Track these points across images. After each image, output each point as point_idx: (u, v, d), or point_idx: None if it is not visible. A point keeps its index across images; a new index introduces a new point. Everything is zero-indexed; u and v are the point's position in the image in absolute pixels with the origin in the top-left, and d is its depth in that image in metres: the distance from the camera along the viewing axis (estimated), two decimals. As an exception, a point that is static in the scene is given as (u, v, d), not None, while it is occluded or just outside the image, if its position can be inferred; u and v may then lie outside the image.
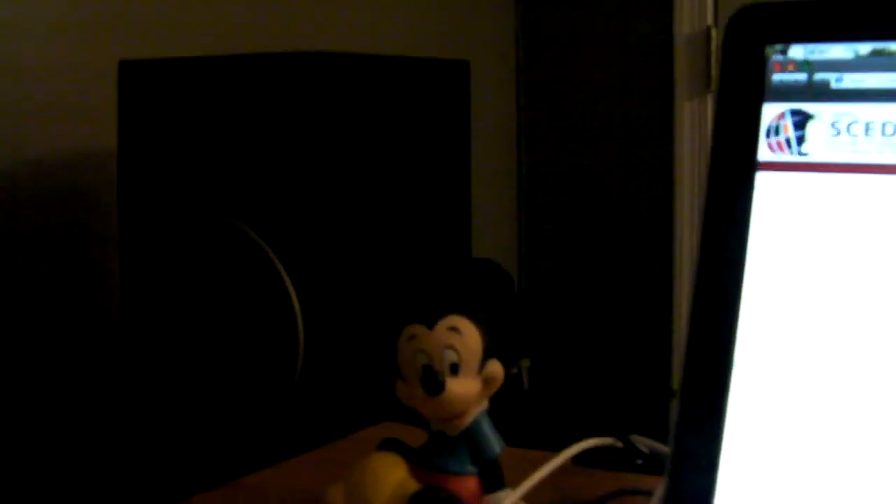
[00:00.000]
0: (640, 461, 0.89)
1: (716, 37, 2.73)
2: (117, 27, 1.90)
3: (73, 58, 1.84)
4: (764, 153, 0.51)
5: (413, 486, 0.70)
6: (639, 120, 2.85)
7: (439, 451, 0.72)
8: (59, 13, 1.82)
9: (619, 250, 2.88)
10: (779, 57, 0.51)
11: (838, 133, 0.50)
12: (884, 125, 0.49)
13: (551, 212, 2.97)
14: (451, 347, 0.68)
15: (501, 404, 0.74)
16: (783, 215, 0.50)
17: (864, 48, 0.50)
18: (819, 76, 0.51)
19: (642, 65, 2.85)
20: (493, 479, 0.72)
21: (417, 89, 1.60)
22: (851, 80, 0.50)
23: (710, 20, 2.73)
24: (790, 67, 0.51)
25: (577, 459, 0.85)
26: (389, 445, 0.73)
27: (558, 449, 0.80)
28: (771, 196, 0.50)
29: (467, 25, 2.74)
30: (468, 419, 0.71)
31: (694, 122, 2.76)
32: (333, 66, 1.46)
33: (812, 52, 0.51)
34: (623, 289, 2.88)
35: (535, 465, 0.76)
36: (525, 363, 2.14)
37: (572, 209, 2.94)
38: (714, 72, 2.73)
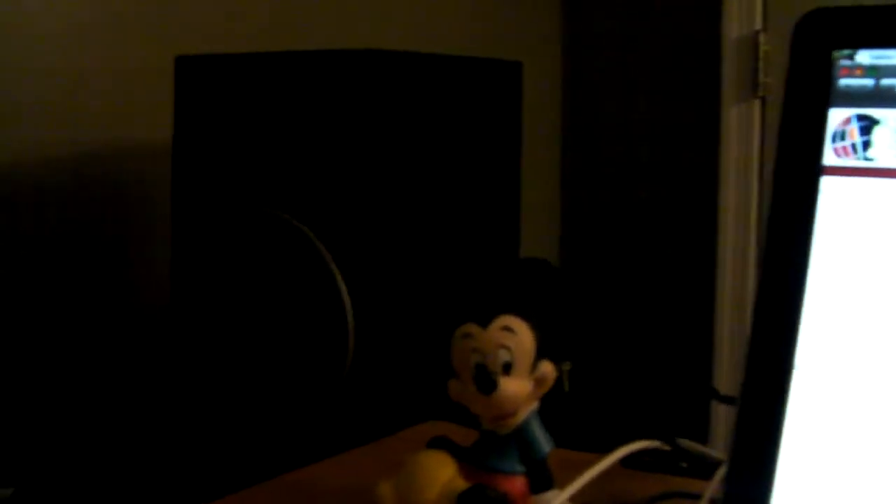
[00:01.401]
0: (685, 464, 0.89)
1: (764, 41, 2.71)
2: (173, 23, 1.92)
3: (130, 54, 1.86)
4: (829, 158, 0.51)
5: (462, 484, 0.70)
6: (684, 123, 2.84)
7: (489, 450, 0.72)
8: (116, 11, 1.84)
9: (661, 252, 2.87)
10: (846, 62, 0.51)
11: (904, 139, 0.50)
12: (950, 132, 0.49)
13: (593, 214, 2.97)
14: (505, 347, 0.69)
15: (543, 406, 0.74)
16: (848, 220, 0.50)
17: (932, 54, 0.50)
18: (886, 81, 0.50)
19: (689, 68, 2.83)
20: (542, 480, 0.72)
21: (469, 89, 1.60)
22: (918, 87, 0.50)
23: (758, 24, 2.71)
24: (857, 72, 0.51)
25: (624, 461, 0.85)
26: (439, 443, 0.73)
27: (600, 450, 0.80)
28: (836, 201, 0.50)
29: (514, 26, 2.74)
30: (519, 419, 0.71)
31: (741, 126, 2.75)
32: (386, 64, 1.47)
33: (879, 57, 0.51)
34: (664, 291, 2.86)
35: (580, 467, 0.76)
36: (566, 366, 2.13)
37: (615, 211, 2.94)
38: (762, 77, 2.71)
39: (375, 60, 1.47)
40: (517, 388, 0.69)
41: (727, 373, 2.70)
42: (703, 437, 2.52)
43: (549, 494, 0.72)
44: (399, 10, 2.39)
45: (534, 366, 0.70)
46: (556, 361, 0.71)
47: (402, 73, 1.48)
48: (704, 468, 0.86)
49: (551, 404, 0.74)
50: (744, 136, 2.74)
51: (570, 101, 2.99)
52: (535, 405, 0.72)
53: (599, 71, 2.95)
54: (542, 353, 0.70)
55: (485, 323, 0.69)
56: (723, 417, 2.65)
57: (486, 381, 0.68)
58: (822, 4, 0.52)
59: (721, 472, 0.76)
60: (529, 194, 1.90)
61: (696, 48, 2.81)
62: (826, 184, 0.51)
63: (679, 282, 2.85)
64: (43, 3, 1.74)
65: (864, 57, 0.51)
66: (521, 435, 0.71)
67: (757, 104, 2.72)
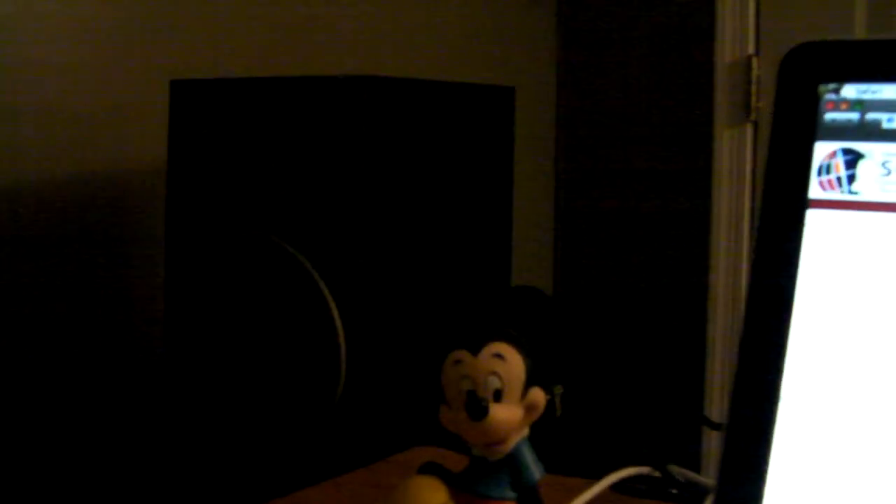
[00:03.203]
0: (675, 490, 0.89)
1: (756, 66, 2.72)
2: (168, 47, 1.93)
3: (125, 78, 1.86)
4: (815, 191, 0.52)
5: (453, 510, 0.70)
6: (679, 150, 2.85)
7: (480, 476, 0.72)
8: (111, 36, 1.85)
9: (653, 279, 2.88)
10: (832, 96, 0.52)
11: (889, 173, 0.51)
12: (935, 166, 0.50)
13: (587, 240, 2.97)
14: (496, 374, 0.69)
15: (534, 431, 0.74)
16: (833, 253, 0.51)
17: (917, 89, 0.50)
18: (871, 116, 0.51)
19: (683, 93, 2.85)
20: (533, 506, 0.72)
21: (462, 114, 1.61)
22: (903, 121, 0.51)
23: (751, 49, 2.73)
24: (843, 106, 0.52)
25: (614, 487, 0.85)
26: (430, 469, 0.73)
27: (591, 476, 0.81)
28: (821, 234, 0.51)
29: (510, 52, 2.76)
30: (510, 445, 0.71)
31: (732, 150, 2.76)
32: (380, 90, 1.48)
33: (865, 91, 0.51)
34: (656, 316, 2.87)
35: (572, 492, 0.77)
36: (558, 390, 2.14)
37: (609, 239, 2.94)
38: (754, 101, 2.72)
39: (368, 86, 1.47)
40: (508, 415, 0.69)
41: (719, 400, 2.71)
42: (695, 465, 2.52)
43: (540, 520, 0.72)
44: (394, 35, 2.40)
45: (524, 392, 0.70)
46: (548, 386, 0.72)
47: (394, 98, 1.49)
48: (695, 495, 0.86)
49: (543, 428, 0.75)
50: (735, 159, 2.75)
51: (564, 126, 3.00)
52: (525, 431, 0.72)
53: (594, 96, 2.97)
54: (532, 379, 0.71)
55: (475, 350, 0.70)
56: (714, 445, 2.65)
57: (476, 407, 0.69)
58: (813, 28, 0.53)
59: (711, 499, 0.77)
60: (523, 221, 1.90)
61: (689, 72, 2.83)
62: (811, 217, 0.51)
63: (671, 309, 2.85)
64: (38, 28, 1.75)
65: (850, 91, 0.52)
66: (512, 461, 0.72)
67: (749, 128, 2.74)
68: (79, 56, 1.81)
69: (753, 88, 2.71)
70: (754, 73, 2.71)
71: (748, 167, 2.72)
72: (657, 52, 2.88)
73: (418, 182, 1.53)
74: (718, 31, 2.75)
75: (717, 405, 2.70)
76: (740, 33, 2.74)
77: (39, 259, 1.76)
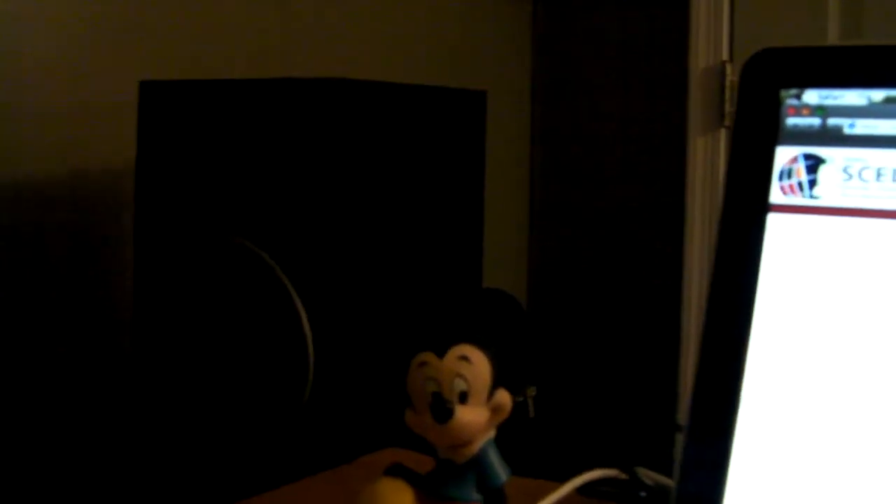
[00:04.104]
0: (643, 493, 0.89)
1: (730, 72, 2.73)
2: (138, 48, 1.92)
3: (93, 78, 1.85)
4: (776, 196, 0.52)
5: (419, 512, 0.70)
6: (653, 155, 2.86)
7: (446, 478, 0.72)
8: (80, 36, 1.84)
9: (627, 285, 2.89)
10: (793, 101, 0.52)
11: (850, 178, 0.51)
12: (895, 171, 0.50)
13: (561, 244, 2.98)
14: (461, 376, 0.69)
15: (507, 432, 0.74)
16: (793, 257, 0.51)
17: (878, 95, 0.51)
18: (832, 121, 0.52)
19: (657, 99, 2.85)
20: (498, 508, 0.72)
21: (433, 118, 1.61)
22: (864, 126, 0.51)
23: (725, 55, 2.74)
24: (804, 112, 0.52)
25: (582, 490, 0.85)
26: (396, 471, 0.73)
27: (562, 479, 0.81)
28: (782, 238, 0.51)
29: (483, 55, 2.76)
30: (475, 447, 0.71)
31: (707, 156, 2.77)
32: (350, 93, 1.47)
33: (826, 97, 0.52)
34: (630, 321, 2.88)
35: (539, 495, 0.77)
36: (531, 391, 2.14)
37: (583, 242, 2.95)
38: (728, 107, 2.73)
39: (339, 89, 1.47)
40: (473, 417, 0.69)
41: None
42: (668, 469, 2.52)
43: (506, 523, 0.72)
44: (367, 39, 2.40)
45: (490, 394, 0.70)
46: (521, 388, 0.72)
47: (366, 101, 1.49)
48: (662, 498, 0.87)
49: (516, 430, 0.75)
50: (709, 165, 2.76)
51: (539, 131, 3.01)
52: (492, 433, 0.72)
53: (568, 100, 2.97)
54: (498, 381, 0.71)
55: (441, 352, 0.69)
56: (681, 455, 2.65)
57: (441, 409, 0.69)
58: (787, 34, 0.53)
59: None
60: (497, 224, 1.91)
61: (663, 78, 2.84)
62: (772, 221, 0.52)
63: (645, 314, 2.86)
64: (5, 29, 1.74)
65: (812, 96, 0.52)
66: (478, 463, 0.72)
67: (723, 133, 2.75)
68: (47, 54, 1.80)
69: (727, 94, 2.72)
70: (728, 78, 2.72)
71: (722, 172, 2.73)
72: (631, 56, 2.89)
73: (389, 185, 1.53)
74: (692, 37, 2.76)
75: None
76: (714, 39, 2.75)
77: (3, 257, 1.75)
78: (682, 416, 2.73)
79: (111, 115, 1.84)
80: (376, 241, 1.50)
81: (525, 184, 2.99)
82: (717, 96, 2.73)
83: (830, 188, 0.51)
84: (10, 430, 1.75)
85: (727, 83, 2.71)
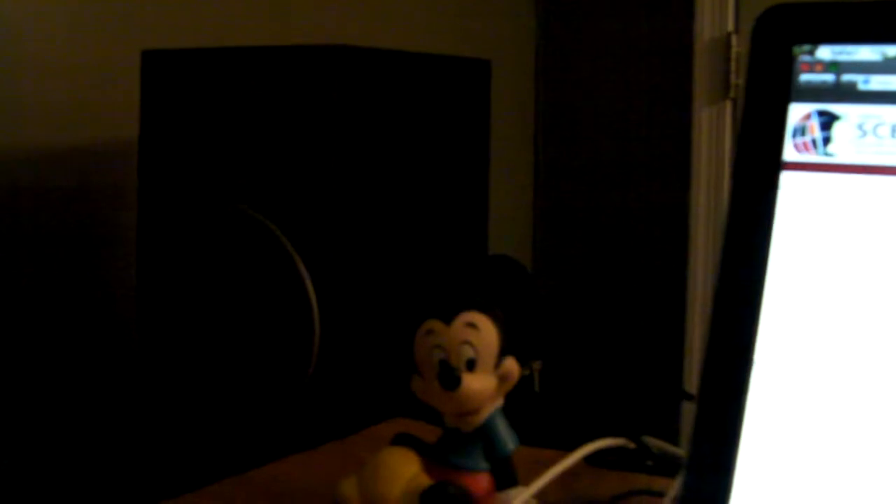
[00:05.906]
0: (650, 462, 0.89)
1: (736, 43, 2.72)
2: (139, 17, 1.90)
3: (94, 50, 1.84)
4: (790, 153, 0.51)
5: (426, 481, 0.70)
6: (657, 124, 2.85)
7: (453, 447, 0.71)
8: (81, 5, 1.82)
9: (633, 252, 2.88)
10: (806, 57, 0.51)
11: (864, 134, 0.50)
12: (910, 128, 0.49)
13: (566, 212, 2.97)
14: (468, 343, 0.68)
15: (513, 405, 0.73)
16: (807, 215, 0.50)
17: (892, 50, 0.50)
18: (846, 77, 0.50)
19: (662, 69, 2.84)
20: (506, 477, 0.72)
21: (438, 86, 1.60)
22: (878, 82, 0.50)
23: (730, 26, 2.72)
24: (818, 68, 0.51)
25: (589, 459, 0.85)
26: (403, 440, 0.72)
27: (569, 449, 0.80)
28: (796, 196, 0.50)
29: (488, 24, 2.74)
30: (483, 416, 0.71)
31: (712, 127, 2.76)
32: (355, 61, 1.46)
33: (840, 53, 0.51)
34: (636, 290, 2.87)
35: (547, 465, 0.76)
36: (536, 365, 2.13)
37: (587, 210, 2.94)
38: (733, 78, 2.72)
39: (344, 57, 1.46)
40: (481, 385, 0.69)
41: (698, 374, 2.71)
42: (675, 438, 2.53)
43: (514, 492, 0.72)
44: (371, 5, 2.38)
45: (498, 362, 0.70)
46: (527, 360, 0.71)
47: (370, 69, 1.48)
48: (670, 466, 0.86)
49: (522, 404, 0.74)
50: (715, 137, 2.75)
51: (543, 100, 2.99)
52: (499, 402, 0.72)
53: (573, 70, 2.96)
54: (506, 349, 0.70)
55: (448, 319, 0.69)
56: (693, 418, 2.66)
57: (449, 377, 0.68)
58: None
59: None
60: (502, 193, 1.90)
61: (668, 48, 2.82)
62: (786, 179, 0.51)
63: (651, 283, 2.85)
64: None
65: (825, 52, 0.51)
66: (485, 432, 0.71)
67: (728, 105, 2.73)
68: (49, 23, 1.78)
69: (733, 66, 2.71)
70: (734, 50, 2.71)
71: (727, 144, 2.72)
72: (637, 25, 2.87)
73: (393, 153, 1.52)
74: (698, 8, 2.75)
75: (696, 378, 2.71)
76: (720, 10, 2.73)
77: (6, 227, 1.75)
78: (689, 384, 2.73)
79: (114, 84, 1.83)
80: (381, 210, 1.49)
81: (530, 151, 2.98)
82: (722, 68, 2.72)
83: (845, 145, 0.50)
84: (15, 412, 1.75)
85: (732, 54, 2.70)
